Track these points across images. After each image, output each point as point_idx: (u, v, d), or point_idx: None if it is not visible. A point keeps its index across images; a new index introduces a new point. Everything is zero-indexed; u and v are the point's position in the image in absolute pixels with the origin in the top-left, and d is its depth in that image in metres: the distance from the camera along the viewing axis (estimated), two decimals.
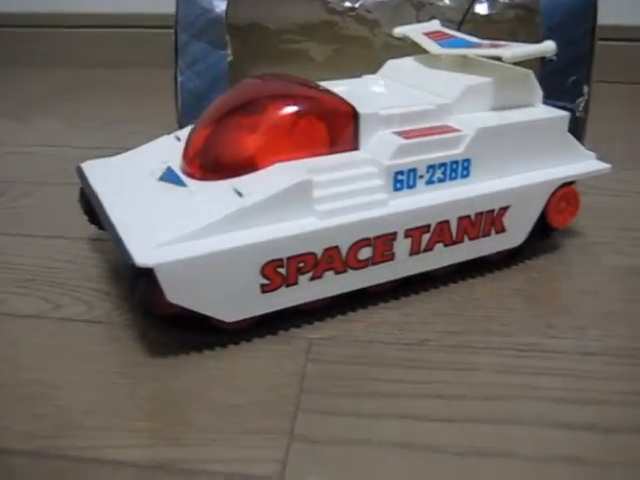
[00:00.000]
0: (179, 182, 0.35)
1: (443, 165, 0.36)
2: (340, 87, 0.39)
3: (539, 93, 0.40)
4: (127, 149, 0.40)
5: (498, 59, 0.38)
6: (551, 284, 0.39)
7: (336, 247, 0.33)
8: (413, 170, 0.35)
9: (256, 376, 0.31)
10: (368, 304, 0.36)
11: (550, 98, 0.52)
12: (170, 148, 0.39)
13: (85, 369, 0.32)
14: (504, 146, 0.37)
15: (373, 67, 0.46)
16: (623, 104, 0.74)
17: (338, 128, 0.35)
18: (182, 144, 0.39)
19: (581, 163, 0.40)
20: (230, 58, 0.52)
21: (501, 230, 0.38)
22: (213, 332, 0.33)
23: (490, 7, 0.51)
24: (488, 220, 0.37)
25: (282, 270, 0.32)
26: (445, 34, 0.43)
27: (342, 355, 0.32)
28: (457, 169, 0.36)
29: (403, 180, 0.35)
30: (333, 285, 0.34)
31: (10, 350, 0.33)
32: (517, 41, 0.43)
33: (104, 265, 0.40)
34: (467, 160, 0.36)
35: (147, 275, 0.29)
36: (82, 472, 0.26)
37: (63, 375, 0.31)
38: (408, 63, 0.42)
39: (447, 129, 0.36)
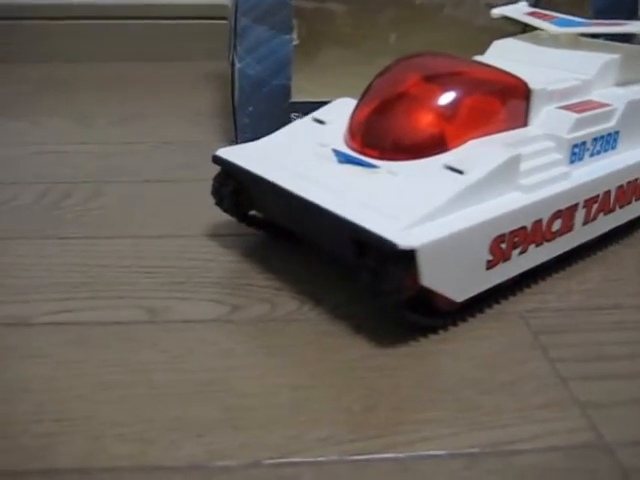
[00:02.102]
0: (367, 164, 0.33)
1: (601, 138, 0.37)
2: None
3: None
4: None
5: (622, 37, 0.40)
6: None
7: (540, 220, 0.34)
8: (584, 143, 0.36)
9: (497, 354, 0.31)
10: (542, 276, 0.36)
11: None
12: (316, 131, 0.37)
13: (324, 370, 0.29)
14: None
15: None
16: None
17: (513, 104, 0.36)
18: (331, 126, 0.37)
19: None
20: (296, 42, 0.50)
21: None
22: (426, 316, 0.32)
23: None
24: (633, 188, 0.39)
25: (503, 245, 0.32)
26: (544, 14, 0.44)
27: (562, 325, 0.33)
28: (610, 141, 0.38)
29: (577, 153, 0.36)
30: (532, 258, 0.34)
31: (232, 360, 0.30)
32: None
33: (246, 261, 0.37)
34: (617, 132, 0.38)
35: (402, 260, 0.28)
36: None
37: (321, 378, 0.29)
38: (518, 44, 0.43)
39: (599, 104, 0.38)
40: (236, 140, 0.53)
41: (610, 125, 0.38)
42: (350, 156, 0.34)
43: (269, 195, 0.34)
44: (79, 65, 0.78)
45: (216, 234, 0.40)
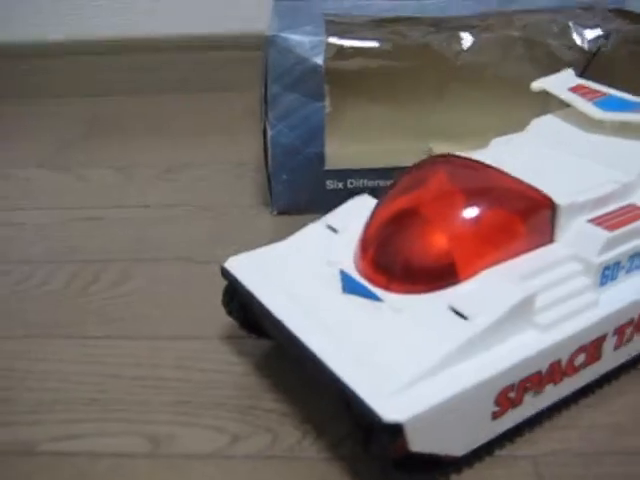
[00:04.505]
0: (371, 295, 0.32)
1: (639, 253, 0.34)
2: (502, 157, 0.36)
3: None
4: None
5: None
6: None
7: (559, 360, 0.31)
8: (617, 263, 0.33)
9: None
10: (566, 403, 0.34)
11: None
12: (327, 242, 0.36)
13: None
14: None
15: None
16: None
17: (536, 222, 0.33)
18: (343, 237, 0.36)
19: None
20: (328, 109, 0.48)
21: None
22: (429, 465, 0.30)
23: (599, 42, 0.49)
24: None
25: (512, 394, 0.30)
26: (591, 89, 0.40)
27: (580, 477, 0.30)
28: None
29: (609, 274, 0.33)
30: (550, 396, 0.32)
31: None
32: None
33: (257, 373, 0.37)
34: None
35: (388, 430, 0.26)
36: None
37: None
38: (559, 125, 0.40)
39: (638, 212, 0.34)
40: (272, 206, 0.52)
41: None
42: (356, 283, 0.33)
43: (267, 321, 0.33)
44: (129, 99, 0.79)
45: (232, 336, 0.39)
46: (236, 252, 0.37)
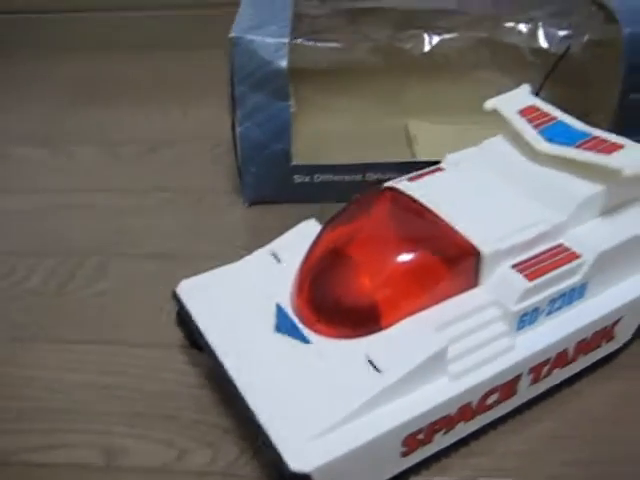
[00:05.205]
0: (300, 337, 0.34)
1: (562, 295, 0.35)
2: (443, 190, 0.37)
3: None
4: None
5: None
6: None
7: (469, 403, 0.33)
8: (536, 309, 0.35)
9: None
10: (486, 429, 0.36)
11: (630, 133, 0.50)
12: (270, 272, 0.38)
13: None
14: (618, 260, 0.37)
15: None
16: None
17: (461, 268, 0.34)
18: (284, 268, 0.38)
19: None
20: (293, 109, 0.49)
21: (611, 338, 0.38)
22: None
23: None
24: (601, 334, 0.37)
25: (421, 436, 0.33)
26: (541, 113, 0.40)
27: None
28: (574, 294, 0.36)
29: (526, 319, 0.35)
30: (462, 431, 0.34)
31: None
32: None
33: (210, 385, 0.40)
34: (584, 284, 0.36)
35: (297, 478, 0.30)
36: None
37: None
38: (506, 148, 0.40)
39: (565, 255, 0.35)
40: (243, 197, 0.54)
41: (576, 279, 0.35)
42: (288, 321, 0.35)
43: (207, 351, 0.36)
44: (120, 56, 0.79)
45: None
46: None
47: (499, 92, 0.42)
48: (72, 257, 0.50)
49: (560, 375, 0.37)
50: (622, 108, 0.48)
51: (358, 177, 0.52)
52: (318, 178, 0.52)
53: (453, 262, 0.34)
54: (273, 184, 0.52)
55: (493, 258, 0.34)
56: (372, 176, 0.52)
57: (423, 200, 0.36)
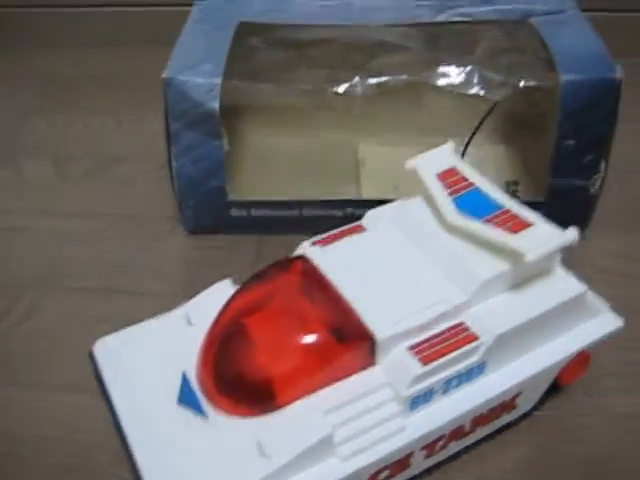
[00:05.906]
0: (199, 410, 0.35)
1: (459, 375, 0.36)
2: (350, 261, 0.38)
3: (558, 257, 0.39)
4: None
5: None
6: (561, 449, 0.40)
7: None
8: (430, 391, 0.35)
9: None
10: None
11: (564, 176, 0.50)
12: (181, 335, 0.39)
13: None
14: (519, 338, 0.37)
15: None
16: None
17: (358, 350, 0.35)
18: (194, 332, 0.38)
19: (596, 327, 0.40)
20: (227, 148, 0.49)
21: (513, 408, 0.39)
22: None
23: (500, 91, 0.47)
24: (501, 407, 0.38)
25: None
26: (460, 178, 0.40)
27: None
28: (472, 373, 0.36)
29: (419, 400, 0.35)
30: None
31: None
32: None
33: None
34: (483, 363, 0.36)
35: None
36: None
37: None
38: (420, 212, 0.40)
39: (463, 336, 0.35)
40: (184, 226, 0.54)
41: (473, 360, 0.36)
42: (190, 392, 0.36)
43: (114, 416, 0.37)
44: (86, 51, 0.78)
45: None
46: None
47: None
48: (11, 290, 0.51)
49: (456, 446, 0.38)
50: (558, 153, 0.48)
51: (295, 213, 0.52)
52: (255, 212, 0.52)
53: (349, 344, 0.35)
54: (211, 217, 0.53)
55: (388, 342, 0.35)
56: (309, 212, 0.52)
57: (329, 274, 0.37)
